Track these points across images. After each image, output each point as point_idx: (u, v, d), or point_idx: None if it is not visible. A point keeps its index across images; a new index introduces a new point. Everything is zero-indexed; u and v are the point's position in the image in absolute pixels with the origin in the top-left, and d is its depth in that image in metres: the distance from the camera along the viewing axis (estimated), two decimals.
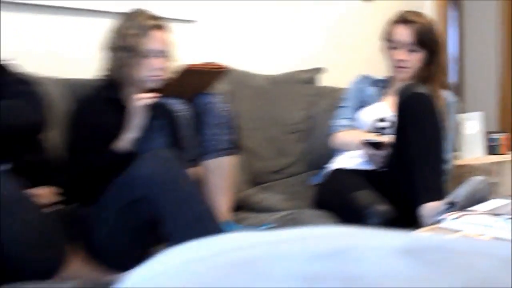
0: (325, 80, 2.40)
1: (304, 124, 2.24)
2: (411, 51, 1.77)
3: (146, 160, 1.29)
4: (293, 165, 2.06)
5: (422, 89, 1.56)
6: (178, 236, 1.23)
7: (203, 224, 1.27)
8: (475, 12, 3.61)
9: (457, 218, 1.20)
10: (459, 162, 2.10)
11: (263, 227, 1.59)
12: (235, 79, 2.08)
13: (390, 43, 1.81)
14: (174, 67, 1.63)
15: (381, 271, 0.24)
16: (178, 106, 1.55)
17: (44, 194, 1.35)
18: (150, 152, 1.33)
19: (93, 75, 1.60)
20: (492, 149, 2.45)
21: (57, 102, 1.56)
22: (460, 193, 1.36)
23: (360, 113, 1.89)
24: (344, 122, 1.91)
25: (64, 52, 1.81)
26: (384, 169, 1.67)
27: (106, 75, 1.61)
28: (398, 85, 1.77)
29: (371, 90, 1.93)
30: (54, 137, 1.53)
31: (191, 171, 1.41)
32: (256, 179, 1.94)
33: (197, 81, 1.58)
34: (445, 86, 2.09)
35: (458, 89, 3.50)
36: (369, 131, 1.81)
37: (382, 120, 1.80)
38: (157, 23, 1.59)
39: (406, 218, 1.49)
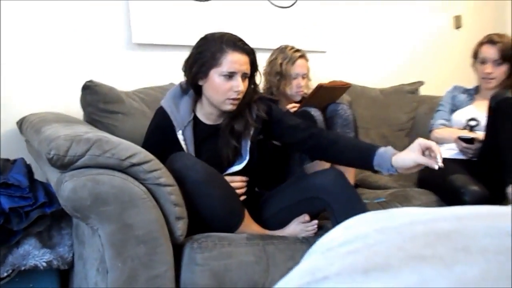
0: (424, 90, 2.58)
1: (409, 124, 2.45)
2: (497, 65, 1.90)
3: (324, 173, 1.39)
4: None
5: (510, 94, 1.65)
6: (343, 214, 1.26)
7: (362, 204, 1.33)
8: None
9: None
10: None
11: (377, 200, 1.68)
12: (356, 92, 2.32)
13: (479, 59, 1.95)
14: (312, 86, 1.84)
15: None
16: (315, 113, 1.65)
17: (237, 181, 1.42)
18: (328, 169, 1.43)
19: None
20: None
21: None
22: None
23: (453, 115, 2.01)
24: (441, 121, 2.02)
25: None
26: (474, 159, 1.78)
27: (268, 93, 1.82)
28: (485, 93, 1.91)
29: (462, 97, 2.03)
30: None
31: None
32: None
33: (328, 95, 1.73)
34: None
35: None
36: (462, 129, 1.94)
37: (472, 119, 1.92)
38: (300, 54, 1.86)
39: (496, 197, 1.57)
